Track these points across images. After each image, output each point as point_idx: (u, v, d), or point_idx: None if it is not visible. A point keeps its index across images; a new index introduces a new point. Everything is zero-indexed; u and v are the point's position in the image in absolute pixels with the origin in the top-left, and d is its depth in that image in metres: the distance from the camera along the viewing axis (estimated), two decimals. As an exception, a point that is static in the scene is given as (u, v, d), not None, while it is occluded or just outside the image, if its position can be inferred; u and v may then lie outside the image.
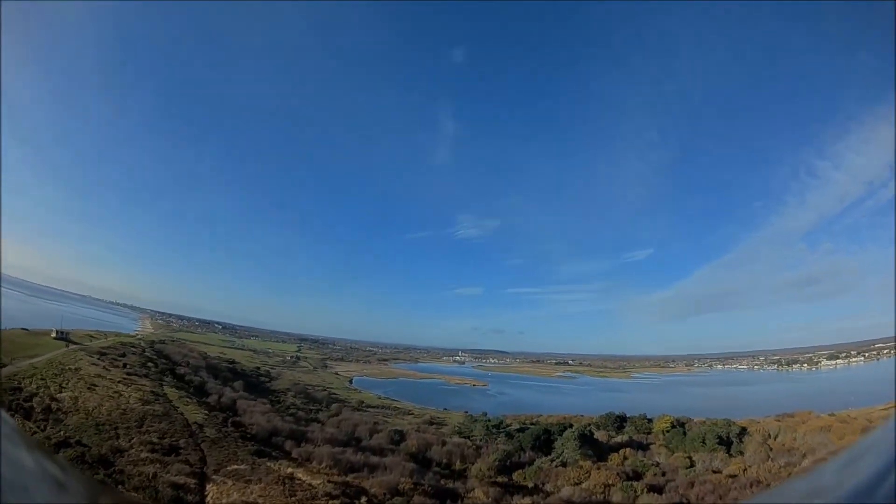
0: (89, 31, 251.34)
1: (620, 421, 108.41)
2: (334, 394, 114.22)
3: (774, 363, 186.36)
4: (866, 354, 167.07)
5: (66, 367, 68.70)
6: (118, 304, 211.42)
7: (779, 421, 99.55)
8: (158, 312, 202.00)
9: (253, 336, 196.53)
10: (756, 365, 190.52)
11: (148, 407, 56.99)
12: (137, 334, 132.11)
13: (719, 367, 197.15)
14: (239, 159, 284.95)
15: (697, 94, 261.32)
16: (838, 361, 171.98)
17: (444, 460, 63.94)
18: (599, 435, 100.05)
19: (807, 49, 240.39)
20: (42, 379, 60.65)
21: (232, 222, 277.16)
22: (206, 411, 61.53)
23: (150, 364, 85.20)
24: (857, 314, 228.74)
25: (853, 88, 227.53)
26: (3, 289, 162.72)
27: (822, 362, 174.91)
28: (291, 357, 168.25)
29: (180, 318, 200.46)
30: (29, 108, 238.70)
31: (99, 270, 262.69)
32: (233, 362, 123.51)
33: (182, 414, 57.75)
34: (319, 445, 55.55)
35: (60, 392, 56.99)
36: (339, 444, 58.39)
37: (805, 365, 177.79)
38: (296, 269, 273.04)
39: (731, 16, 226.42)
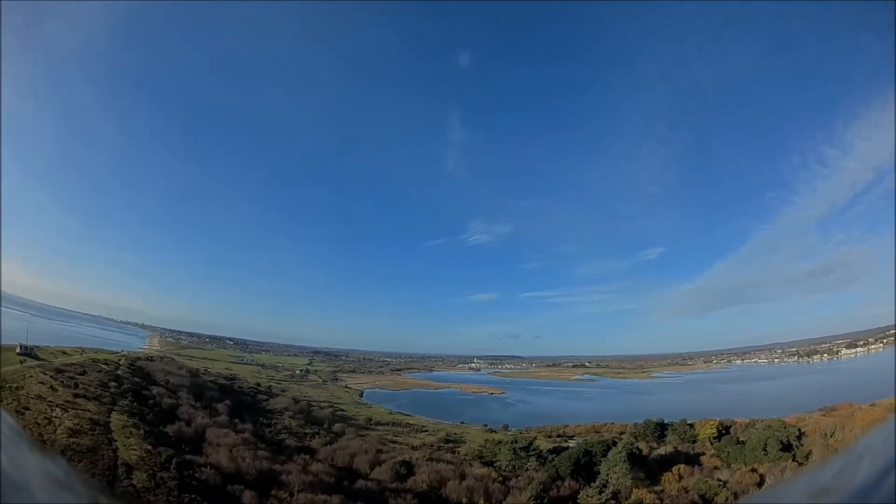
0: (95, 45, 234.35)
1: (661, 429, 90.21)
2: (340, 410, 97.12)
3: (793, 355, 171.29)
4: (885, 341, 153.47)
5: (5, 386, 53.78)
6: (129, 322, 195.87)
7: (825, 416, 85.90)
8: (169, 330, 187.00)
9: (264, 350, 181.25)
10: (776, 358, 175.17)
11: (73, 440, 40.91)
12: (122, 351, 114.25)
13: (738, 361, 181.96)
14: (248, 171, 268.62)
15: (706, 86, 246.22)
16: (858, 350, 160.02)
17: (464, 500, 46.10)
18: (640, 446, 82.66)
19: (812, 34, 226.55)
20: (-30, 399, 46.14)
21: (243, 237, 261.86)
22: (150, 445, 44.10)
23: (112, 384, 67.95)
24: (871, 301, 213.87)
25: (860, 72, 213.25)
26: (5, 308, 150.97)
27: (842, 351, 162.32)
28: (300, 371, 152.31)
29: (191, 334, 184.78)
30: (33, 125, 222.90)
31: (113, 291, 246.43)
32: (232, 379, 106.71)
33: (115, 450, 40.88)
34: (294, 494, 38.03)
35: (-20, 415, 41.29)
36: (322, 489, 40.79)
37: (825, 355, 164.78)
38: (309, 281, 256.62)
39: (735, 4, 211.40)
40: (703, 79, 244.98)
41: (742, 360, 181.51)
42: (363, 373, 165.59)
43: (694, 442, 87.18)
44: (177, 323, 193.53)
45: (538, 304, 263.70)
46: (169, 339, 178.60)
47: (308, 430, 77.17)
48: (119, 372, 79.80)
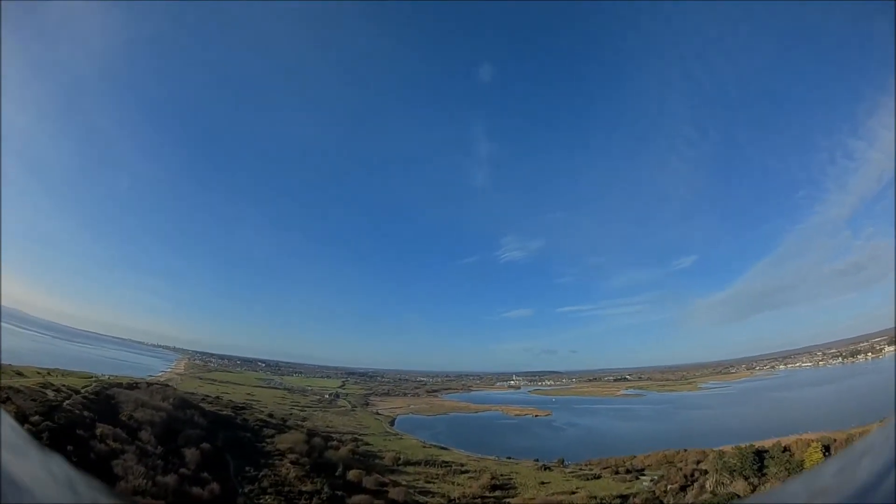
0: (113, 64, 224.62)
1: (759, 458, 68.66)
2: (365, 445, 77.72)
3: (836, 356, 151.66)
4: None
5: None
6: (160, 346, 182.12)
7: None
8: (198, 353, 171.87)
9: (297, 372, 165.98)
10: (819, 360, 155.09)
11: None
12: (103, 375, 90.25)
13: (782, 367, 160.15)
14: (277, 195, 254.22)
15: (729, 86, 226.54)
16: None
17: None
18: (739, 486, 61.80)
19: (829, 23, 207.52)
20: None
21: (275, 260, 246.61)
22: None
23: (35, 418, 48.53)
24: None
25: (879, 58, 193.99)
26: (32, 333, 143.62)
27: (885, 349, 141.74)
28: (329, 395, 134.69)
29: (223, 357, 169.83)
30: (54, 154, 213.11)
31: (146, 315, 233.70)
32: (241, 409, 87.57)
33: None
34: None
35: None
36: None
37: (868, 354, 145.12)
38: (344, 302, 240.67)
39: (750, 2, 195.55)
40: (726, 79, 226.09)
41: (785, 364, 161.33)
42: (398, 395, 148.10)
43: (800, 471, 66.15)
44: (211, 346, 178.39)
45: (573, 318, 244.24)
46: (198, 362, 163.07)
47: (306, 487, 56.44)
48: (66, 403, 60.86)
